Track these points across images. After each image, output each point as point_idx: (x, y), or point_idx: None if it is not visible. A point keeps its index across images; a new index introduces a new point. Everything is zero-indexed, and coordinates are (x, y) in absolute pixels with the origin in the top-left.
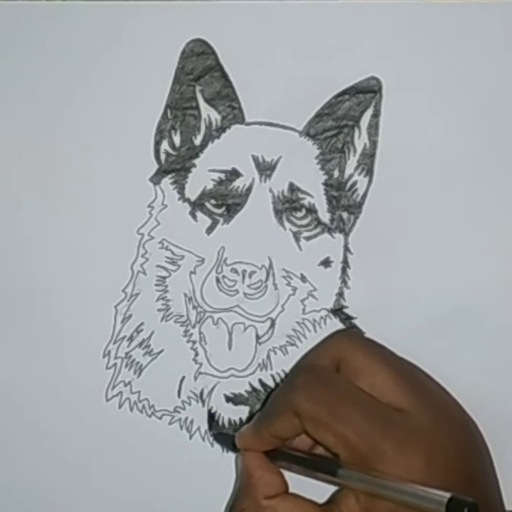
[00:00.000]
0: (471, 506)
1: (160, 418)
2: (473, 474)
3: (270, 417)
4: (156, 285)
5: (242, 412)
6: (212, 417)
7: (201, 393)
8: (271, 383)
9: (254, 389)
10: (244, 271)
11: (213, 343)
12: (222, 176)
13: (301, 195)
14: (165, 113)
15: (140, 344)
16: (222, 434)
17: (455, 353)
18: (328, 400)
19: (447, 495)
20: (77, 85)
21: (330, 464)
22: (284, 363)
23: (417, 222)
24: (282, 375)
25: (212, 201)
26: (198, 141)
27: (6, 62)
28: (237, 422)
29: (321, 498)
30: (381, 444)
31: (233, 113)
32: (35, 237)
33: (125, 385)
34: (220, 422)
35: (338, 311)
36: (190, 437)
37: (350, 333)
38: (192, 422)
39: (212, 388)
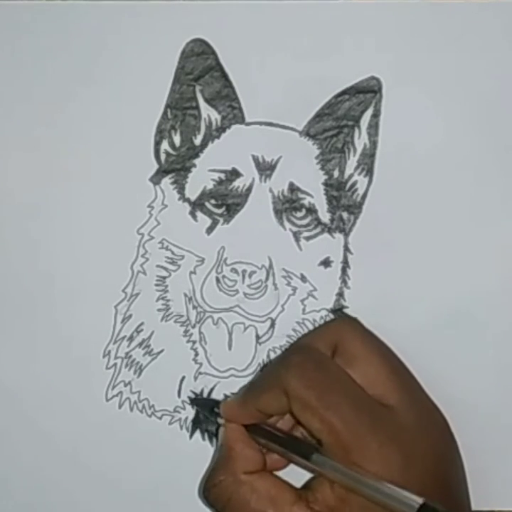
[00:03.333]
0: None
1: (160, 418)
2: (447, 477)
3: (258, 390)
4: (156, 285)
5: None
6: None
7: (201, 393)
8: None
9: None
10: (244, 271)
11: (213, 343)
12: (222, 175)
13: (301, 195)
14: (165, 113)
15: (140, 344)
16: (202, 399)
17: (455, 354)
18: (320, 385)
19: (420, 500)
20: (77, 85)
21: (306, 447)
22: None
23: (417, 222)
24: None
25: (212, 201)
26: (198, 141)
27: (6, 62)
28: None
29: (297, 484)
30: (366, 438)
31: (233, 113)
32: (35, 236)
33: (125, 385)
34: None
35: (338, 311)
36: (190, 437)
37: (352, 320)
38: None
39: (213, 388)
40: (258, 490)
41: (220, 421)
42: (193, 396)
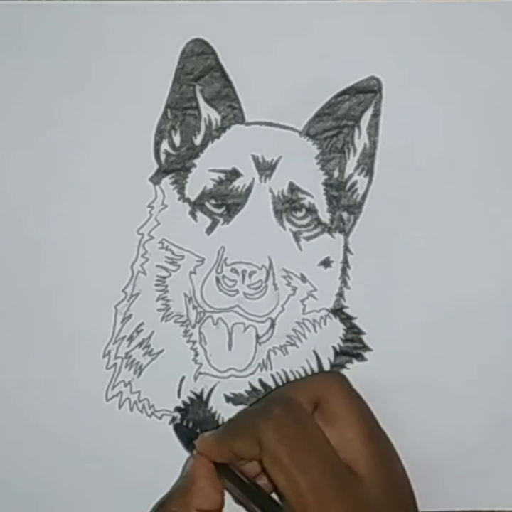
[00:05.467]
0: None
1: (160, 418)
2: None
3: (234, 434)
4: (156, 285)
5: None
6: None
7: (201, 393)
8: (271, 383)
9: (254, 389)
10: (244, 271)
11: (213, 343)
12: (222, 175)
13: (301, 195)
14: (165, 113)
15: (140, 344)
16: (183, 428)
17: (454, 353)
18: (294, 442)
19: None
20: (77, 85)
21: (271, 507)
22: (284, 363)
23: (416, 222)
24: (282, 375)
25: (212, 201)
26: (198, 141)
27: (6, 62)
28: None
29: None
30: (329, 505)
31: (233, 113)
32: (35, 237)
33: (125, 385)
34: (220, 421)
35: (338, 311)
36: None
37: (339, 377)
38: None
39: (212, 388)
40: None
41: (194, 452)
42: (193, 397)
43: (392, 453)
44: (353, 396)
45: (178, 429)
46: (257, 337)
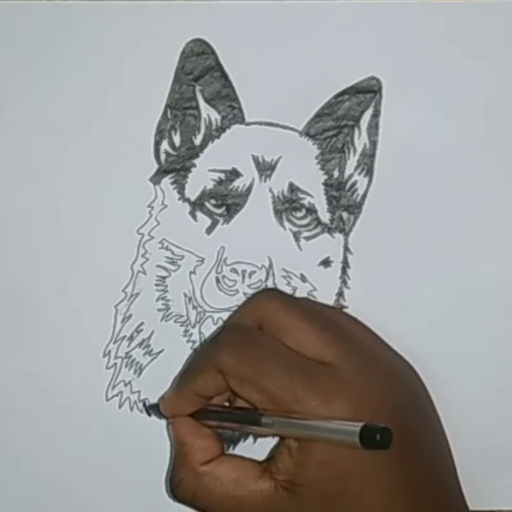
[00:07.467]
0: (383, 431)
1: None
2: (404, 420)
3: (193, 375)
4: (156, 285)
5: None
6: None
7: None
8: None
9: None
10: (244, 271)
11: None
12: (222, 175)
13: (301, 195)
14: (165, 113)
15: (140, 344)
16: (153, 405)
17: (455, 353)
18: (251, 356)
19: (360, 424)
20: (77, 85)
21: (253, 415)
22: None
23: (417, 222)
24: None
25: (212, 201)
26: (198, 141)
27: (5, 62)
28: None
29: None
30: (305, 396)
31: (233, 113)
32: (35, 236)
33: (125, 385)
34: None
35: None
36: None
37: (272, 292)
38: None
39: None
40: (220, 477)
41: (169, 420)
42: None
43: (352, 328)
44: (289, 303)
45: (153, 409)
46: None
